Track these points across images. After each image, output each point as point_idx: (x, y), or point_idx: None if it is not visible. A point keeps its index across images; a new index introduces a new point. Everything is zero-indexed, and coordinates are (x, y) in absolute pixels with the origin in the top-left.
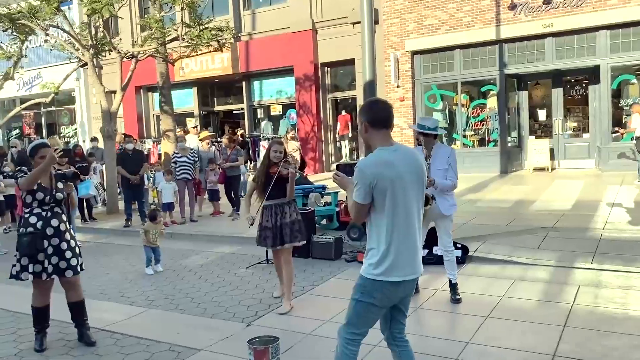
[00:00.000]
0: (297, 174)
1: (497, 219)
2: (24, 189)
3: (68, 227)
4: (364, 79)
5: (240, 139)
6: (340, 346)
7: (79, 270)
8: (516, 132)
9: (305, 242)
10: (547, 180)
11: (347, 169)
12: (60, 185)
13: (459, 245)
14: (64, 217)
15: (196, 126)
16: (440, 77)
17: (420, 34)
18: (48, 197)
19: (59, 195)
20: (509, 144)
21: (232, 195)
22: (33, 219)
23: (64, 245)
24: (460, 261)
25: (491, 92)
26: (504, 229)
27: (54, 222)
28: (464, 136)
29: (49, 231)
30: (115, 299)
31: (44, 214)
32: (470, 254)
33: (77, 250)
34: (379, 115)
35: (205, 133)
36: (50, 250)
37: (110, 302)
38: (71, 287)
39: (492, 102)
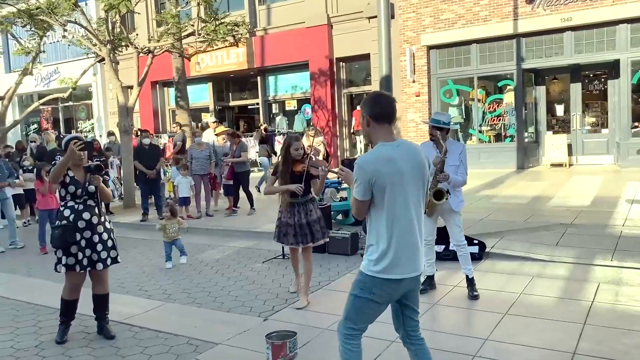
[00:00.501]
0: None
1: (514, 215)
2: (52, 182)
3: (102, 220)
4: (380, 73)
5: (264, 132)
6: (341, 343)
7: (108, 263)
8: (533, 128)
9: (327, 239)
10: (564, 176)
11: (351, 164)
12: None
13: (475, 241)
14: (97, 210)
15: (216, 121)
16: (456, 72)
17: (436, 28)
18: (80, 190)
19: (91, 188)
20: (526, 140)
21: (244, 191)
22: (67, 212)
23: (96, 238)
24: (478, 257)
25: (508, 87)
26: (522, 225)
27: (86, 215)
28: (480, 131)
29: (81, 224)
30: (134, 292)
31: (76, 207)
32: (487, 250)
33: (110, 243)
34: (384, 110)
35: (220, 128)
36: (83, 243)
37: (129, 295)
38: (99, 279)
39: (508, 97)
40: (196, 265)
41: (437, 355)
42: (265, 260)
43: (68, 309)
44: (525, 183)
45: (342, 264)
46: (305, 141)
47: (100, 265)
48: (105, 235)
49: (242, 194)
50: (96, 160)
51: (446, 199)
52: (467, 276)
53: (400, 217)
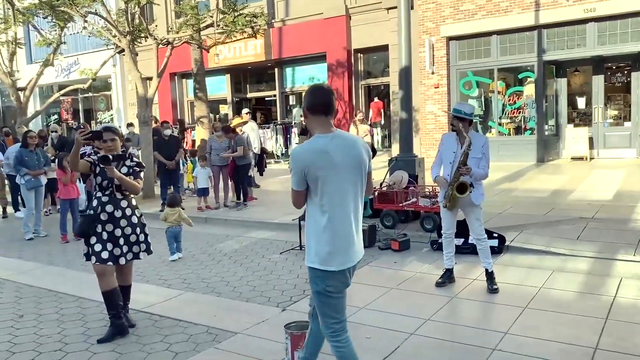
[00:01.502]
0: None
1: (534, 209)
2: (73, 170)
3: (127, 214)
4: (399, 65)
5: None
6: (330, 343)
7: (129, 258)
8: (554, 121)
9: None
10: (585, 170)
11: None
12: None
13: (495, 235)
14: (124, 204)
15: (249, 112)
16: (476, 63)
17: (456, 19)
18: (106, 181)
19: (115, 180)
20: (546, 133)
21: (240, 184)
22: (94, 203)
23: (118, 232)
24: (497, 251)
25: (528, 79)
26: (542, 219)
27: (109, 208)
28: (500, 124)
29: (103, 216)
30: (154, 281)
31: (103, 199)
32: (507, 243)
33: (133, 238)
34: (316, 101)
35: (237, 120)
36: (105, 236)
37: (149, 284)
38: (120, 271)
39: (529, 90)
40: (215, 255)
41: (457, 348)
42: (283, 252)
43: (106, 301)
44: (546, 176)
45: None
46: (352, 129)
47: (122, 260)
48: (128, 230)
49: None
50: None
51: (470, 192)
52: (486, 270)
53: (335, 208)
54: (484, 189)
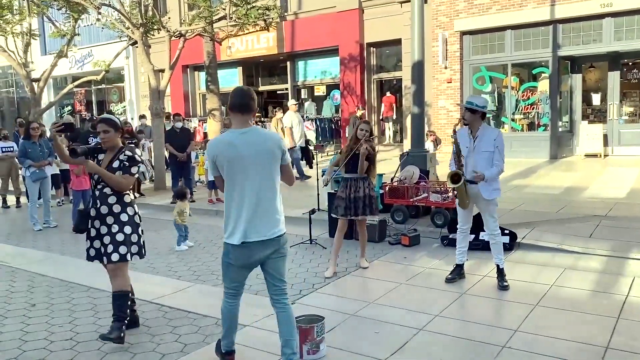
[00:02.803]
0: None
1: (547, 206)
2: (64, 162)
3: (115, 211)
4: (412, 59)
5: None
6: (222, 300)
7: (113, 259)
8: (568, 117)
9: (377, 216)
10: (599, 167)
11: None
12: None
13: (506, 231)
14: (112, 200)
15: (296, 103)
16: (489, 58)
17: (470, 13)
18: (97, 175)
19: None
20: (560, 129)
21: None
22: (90, 198)
23: (104, 230)
24: (508, 247)
25: (543, 75)
26: (554, 216)
27: (97, 204)
28: (513, 120)
29: (92, 212)
30: (164, 272)
31: (96, 193)
32: (518, 240)
33: (120, 237)
34: (234, 102)
35: (279, 116)
36: (93, 232)
37: (159, 275)
38: (110, 274)
39: (543, 85)
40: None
41: (466, 345)
42: (293, 245)
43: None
44: (559, 173)
45: (369, 250)
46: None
47: (104, 259)
48: (115, 228)
49: None
50: (128, 143)
51: (463, 182)
52: (497, 266)
53: (240, 191)
54: (499, 184)
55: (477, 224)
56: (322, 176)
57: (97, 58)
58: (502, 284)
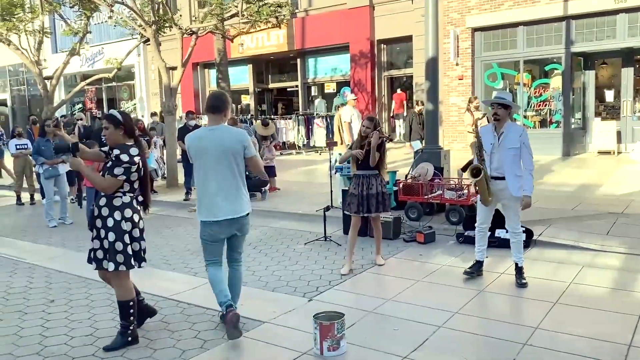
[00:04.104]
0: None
1: (561, 203)
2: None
3: (103, 214)
4: (425, 55)
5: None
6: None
7: (103, 266)
8: (580, 114)
9: (389, 213)
10: (613, 164)
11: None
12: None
13: (522, 229)
14: (102, 202)
15: (356, 98)
16: (501, 55)
17: (482, 10)
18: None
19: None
20: (573, 126)
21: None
22: None
23: (94, 233)
24: (524, 245)
25: (555, 71)
26: (569, 213)
27: (95, 204)
28: (525, 117)
29: (95, 212)
30: (180, 269)
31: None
32: (534, 238)
33: (104, 243)
34: (207, 104)
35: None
36: (94, 233)
37: (175, 272)
38: (111, 280)
39: (555, 82)
40: None
41: (487, 342)
42: (307, 242)
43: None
44: (572, 170)
45: (384, 248)
46: (468, 117)
47: (93, 264)
48: (102, 233)
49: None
50: (141, 139)
51: (483, 175)
52: (516, 264)
53: (202, 179)
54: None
55: (494, 222)
56: (335, 173)
57: (108, 56)
58: (520, 281)
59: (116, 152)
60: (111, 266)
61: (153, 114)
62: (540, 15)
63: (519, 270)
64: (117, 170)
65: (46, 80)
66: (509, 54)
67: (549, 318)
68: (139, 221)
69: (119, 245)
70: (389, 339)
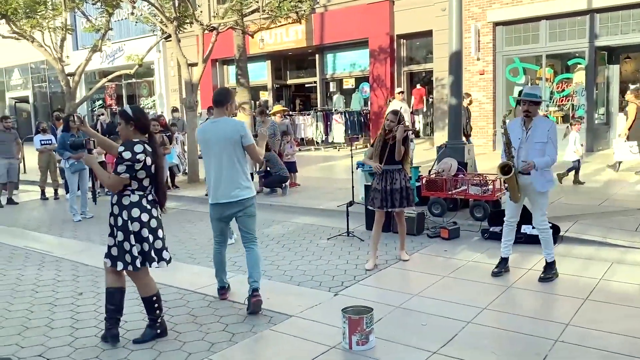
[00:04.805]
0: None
1: (587, 199)
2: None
3: (114, 212)
4: (449, 49)
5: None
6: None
7: (115, 263)
8: (604, 109)
9: (413, 208)
10: (638, 160)
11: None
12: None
13: (549, 224)
14: (114, 199)
15: (402, 91)
16: (523, 49)
17: (503, 4)
18: None
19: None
20: (596, 121)
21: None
22: None
23: (110, 229)
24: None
25: (578, 66)
26: (596, 209)
27: (110, 202)
28: (548, 112)
29: (110, 209)
30: (205, 263)
31: None
32: (561, 234)
33: (110, 241)
34: (213, 98)
35: (277, 107)
36: (110, 230)
37: (200, 266)
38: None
39: (578, 77)
40: (262, 239)
41: (517, 338)
42: (330, 237)
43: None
44: (596, 166)
45: (408, 243)
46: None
47: (108, 261)
48: (114, 231)
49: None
50: (163, 135)
51: (513, 172)
52: (546, 260)
53: (210, 165)
54: (552, 176)
55: (520, 217)
56: (357, 169)
57: (128, 52)
58: (544, 274)
59: (120, 148)
60: (119, 265)
61: (174, 110)
62: (563, 9)
63: (548, 266)
64: (120, 168)
65: (68, 77)
66: (531, 48)
67: (579, 314)
68: (149, 220)
69: (126, 245)
70: (418, 334)
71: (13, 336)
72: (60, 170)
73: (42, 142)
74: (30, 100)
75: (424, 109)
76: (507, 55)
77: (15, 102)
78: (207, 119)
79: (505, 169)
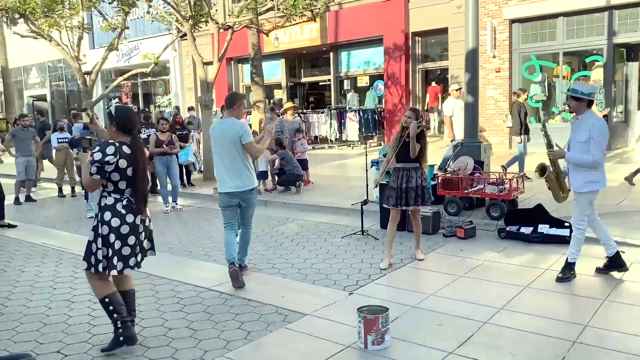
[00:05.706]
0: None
1: (605, 198)
2: None
3: (96, 211)
4: (465, 47)
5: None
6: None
7: (99, 268)
8: (622, 107)
9: (429, 207)
10: None
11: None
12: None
13: (567, 224)
14: (97, 199)
15: (459, 88)
16: (540, 47)
17: (519, 1)
18: None
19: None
20: (614, 119)
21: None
22: None
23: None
24: (569, 240)
25: (596, 63)
26: (614, 208)
27: None
28: (564, 110)
29: None
30: (220, 261)
31: None
32: None
33: (90, 245)
34: (225, 101)
35: (289, 104)
36: None
37: (216, 263)
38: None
39: (596, 74)
40: (277, 237)
41: (535, 339)
42: (345, 236)
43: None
44: (614, 165)
45: (423, 242)
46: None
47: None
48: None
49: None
50: (178, 134)
51: (548, 173)
52: (567, 259)
53: (219, 159)
54: (595, 177)
55: (536, 217)
56: (372, 167)
57: (144, 51)
58: (560, 275)
59: (94, 149)
60: (83, 265)
61: (190, 108)
62: (581, 6)
63: (567, 266)
64: (92, 169)
65: (85, 76)
66: (547, 45)
67: (598, 315)
68: (119, 226)
69: (93, 247)
70: (434, 334)
71: (32, 332)
72: (77, 168)
73: (59, 140)
74: (48, 98)
75: (439, 107)
76: (523, 52)
77: (33, 100)
78: (221, 117)
79: (541, 170)
